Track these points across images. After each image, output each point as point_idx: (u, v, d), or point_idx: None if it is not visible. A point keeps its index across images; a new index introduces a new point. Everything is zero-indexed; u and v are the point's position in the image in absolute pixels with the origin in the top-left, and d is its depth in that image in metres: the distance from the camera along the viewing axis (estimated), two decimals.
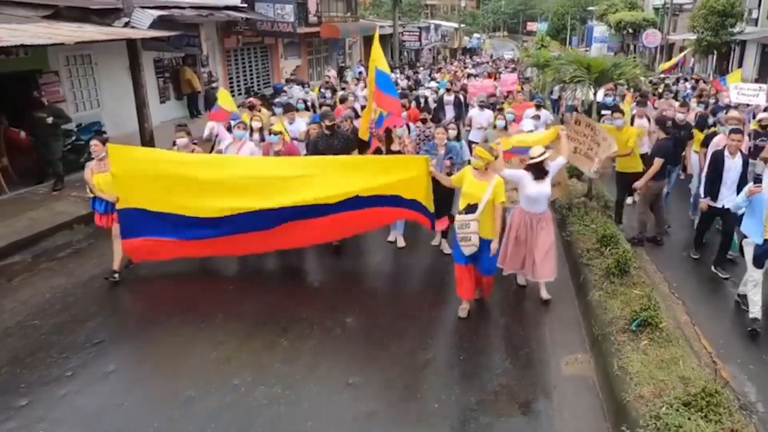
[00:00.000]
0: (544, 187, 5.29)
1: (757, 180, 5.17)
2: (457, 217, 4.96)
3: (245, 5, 15.48)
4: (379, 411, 3.93)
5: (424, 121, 7.58)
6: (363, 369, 4.43)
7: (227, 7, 14.34)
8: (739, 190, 5.59)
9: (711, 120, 8.43)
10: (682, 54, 21.19)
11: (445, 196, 6.14)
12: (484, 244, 4.92)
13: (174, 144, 6.79)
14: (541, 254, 5.29)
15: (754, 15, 25.45)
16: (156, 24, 10.98)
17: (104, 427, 3.80)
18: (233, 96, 16.60)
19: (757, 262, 4.94)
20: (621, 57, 16.27)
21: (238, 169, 5.99)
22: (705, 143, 7.32)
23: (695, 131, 8.16)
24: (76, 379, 4.28)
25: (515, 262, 5.55)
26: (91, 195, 6.04)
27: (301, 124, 8.24)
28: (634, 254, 5.80)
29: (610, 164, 6.97)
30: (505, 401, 4.05)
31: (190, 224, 5.78)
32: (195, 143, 6.83)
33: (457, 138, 7.10)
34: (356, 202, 5.73)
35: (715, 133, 7.32)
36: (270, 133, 6.86)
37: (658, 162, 6.57)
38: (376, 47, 6.85)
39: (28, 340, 4.82)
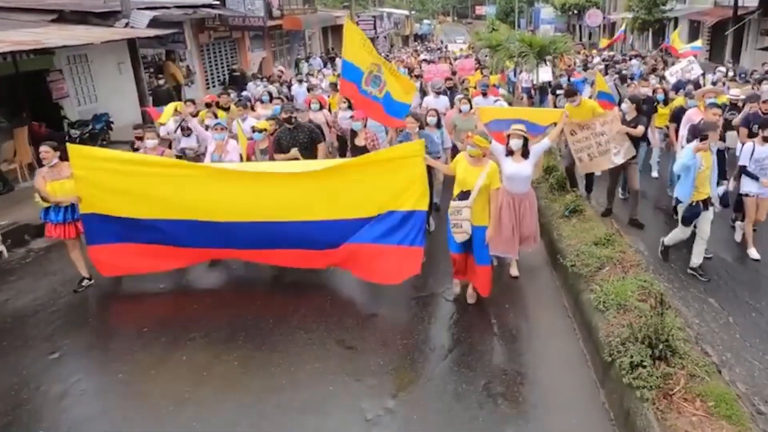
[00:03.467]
0: (522, 167, 5.57)
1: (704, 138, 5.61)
2: (450, 204, 5.14)
3: (218, 2, 17.45)
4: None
5: None
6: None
7: (204, 5, 16.30)
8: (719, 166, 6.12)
9: (661, 96, 8.92)
10: (620, 31, 24.47)
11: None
12: (478, 231, 5.10)
13: (134, 146, 7.37)
14: (525, 236, 5.84)
15: None
16: (150, 23, 12.91)
17: None
18: (208, 88, 18.57)
19: (686, 222, 5.96)
20: (561, 35, 19.06)
21: (213, 178, 5.65)
22: (674, 118, 7.86)
23: (659, 107, 8.72)
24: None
25: (501, 245, 5.75)
26: (43, 204, 5.85)
27: (251, 121, 8.07)
28: (565, 178, 8.26)
29: (623, 139, 7.03)
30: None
31: (160, 229, 5.66)
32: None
33: (438, 125, 7.24)
34: (347, 229, 5.52)
35: (683, 108, 7.78)
36: (254, 131, 6.96)
37: (641, 128, 7.05)
38: (348, 38, 7.06)
39: None
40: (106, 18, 12.59)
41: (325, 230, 5.53)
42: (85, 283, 6.07)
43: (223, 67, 19.94)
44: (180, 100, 16.12)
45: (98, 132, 11.96)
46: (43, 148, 5.79)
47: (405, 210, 5.36)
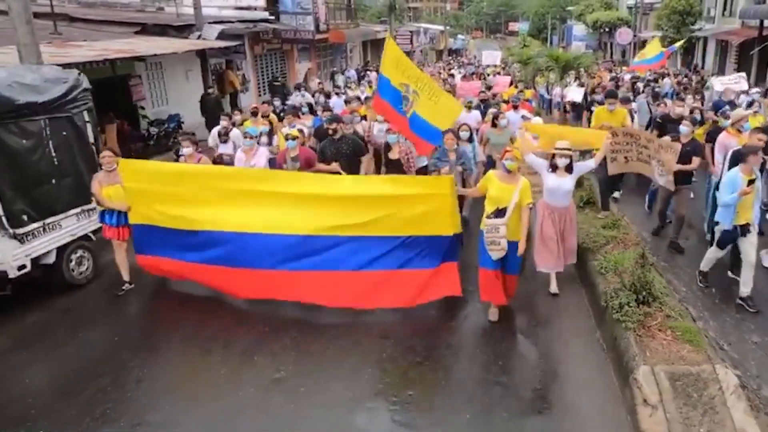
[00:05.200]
0: (564, 182, 5.79)
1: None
2: (486, 222, 5.30)
3: (273, 17, 19.14)
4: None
5: None
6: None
7: (262, 20, 18.01)
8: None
9: (697, 116, 8.70)
10: (672, 48, 22.37)
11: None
12: (511, 246, 5.29)
13: (178, 154, 7.59)
14: (568, 249, 6.17)
15: (712, 13, 29.92)
16: (218, 35, 14.58)
17: None
18: (260, 95, 20.20)
19: (721, 245, 5.93)
20: (589, 53, 20.05)
21: (250, 182, 5.94)
22: (710, 138, 7.61)
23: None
24: None
25: (551, 260, 6.03)
26: (100, 208, 6.16)
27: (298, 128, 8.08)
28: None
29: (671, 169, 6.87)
30: None
31: (203, 241, 5.83)
32: (200, 152, 7.10)
33: (470, 139, 7.50)
34: (372, 247, 5.65)
35: (719, 128, 7.66)
36: (287, 139, 6.97)
37: (696, 160, 6.89)
38: (388, 53, 6.45)
39: None
40: (182, 30, 14.31)
41: (354, 247, 5.69)
42: (126, 287, 6.28)
43: (272, 76, 21.64)
44: (234, 106, 17.73)
45: (171, 131, 13.59)
46: (107, 153, 6.02)
47: (433, 235, 5.61)
